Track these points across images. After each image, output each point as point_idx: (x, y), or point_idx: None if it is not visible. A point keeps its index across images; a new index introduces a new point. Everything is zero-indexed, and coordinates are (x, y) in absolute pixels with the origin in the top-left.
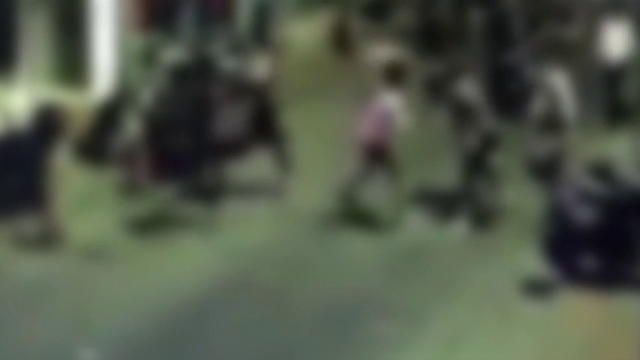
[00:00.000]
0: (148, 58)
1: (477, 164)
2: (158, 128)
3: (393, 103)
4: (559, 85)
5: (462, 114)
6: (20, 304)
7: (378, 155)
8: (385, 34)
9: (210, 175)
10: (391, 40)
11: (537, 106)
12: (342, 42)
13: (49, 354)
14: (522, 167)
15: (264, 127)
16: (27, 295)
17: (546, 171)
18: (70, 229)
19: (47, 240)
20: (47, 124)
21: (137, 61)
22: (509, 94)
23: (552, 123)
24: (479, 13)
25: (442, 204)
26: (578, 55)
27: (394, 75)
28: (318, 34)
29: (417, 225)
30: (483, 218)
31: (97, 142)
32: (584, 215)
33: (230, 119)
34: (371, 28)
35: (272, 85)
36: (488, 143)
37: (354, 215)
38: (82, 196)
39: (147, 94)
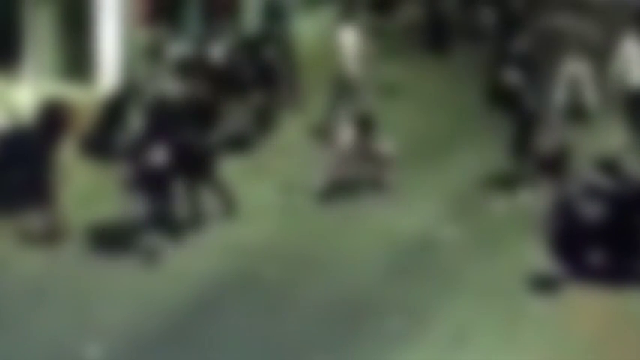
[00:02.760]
0: (153, 53)
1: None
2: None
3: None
4: (581, 73)
5: (507, 98)
6: (25, 299)
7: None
8: (391, 29)
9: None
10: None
11: (559, 95)
12: None
13: (54, 349)
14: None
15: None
16: (31, 290)
17: (553, 165)
18: (74, 224)
19: (52, 235)
20: (52, 120)
21: (142, 56)
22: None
23: (574, 111)
24: (488, 8)
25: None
26: (596, 55)
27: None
28: (323, 30)
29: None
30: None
31: (103, 138)
32: (592, 211)
33: None
34: (377, 23)
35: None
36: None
37: None
38: (86, 192)
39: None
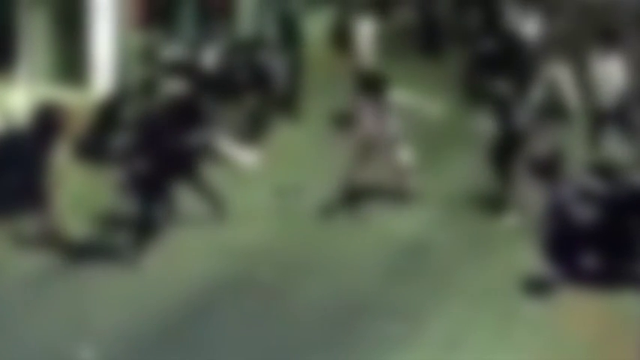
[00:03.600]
0: (147, 56)
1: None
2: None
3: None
4: (561, 75)
5: (497, 109)
6: (19, 302)
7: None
8: (385, 31)
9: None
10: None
11: (536, 95)
12: (341, 40)
13: (48, 352)
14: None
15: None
16: (26, 293)
17: (546, 168)
18: (69, 227)
19: (47, 239)
20: (47, 123)
21: (137, 59)
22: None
23: (553, 111)
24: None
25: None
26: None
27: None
28: (321, 33)
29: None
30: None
31: (97, 141)
32: (585, 213)
33: None
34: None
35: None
36: (517, 140)
37: None
38: (81, 195)
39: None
